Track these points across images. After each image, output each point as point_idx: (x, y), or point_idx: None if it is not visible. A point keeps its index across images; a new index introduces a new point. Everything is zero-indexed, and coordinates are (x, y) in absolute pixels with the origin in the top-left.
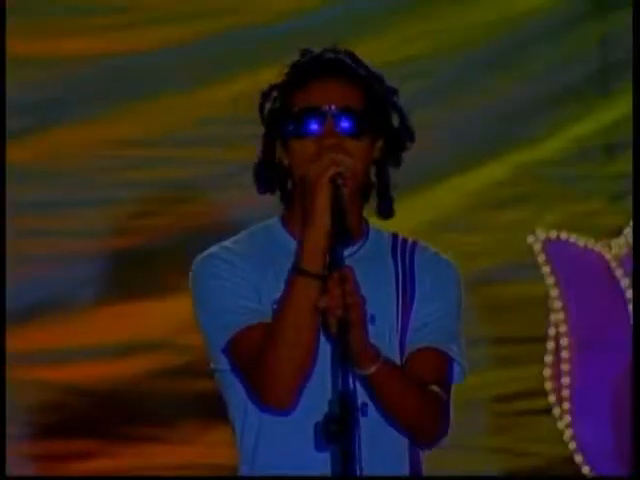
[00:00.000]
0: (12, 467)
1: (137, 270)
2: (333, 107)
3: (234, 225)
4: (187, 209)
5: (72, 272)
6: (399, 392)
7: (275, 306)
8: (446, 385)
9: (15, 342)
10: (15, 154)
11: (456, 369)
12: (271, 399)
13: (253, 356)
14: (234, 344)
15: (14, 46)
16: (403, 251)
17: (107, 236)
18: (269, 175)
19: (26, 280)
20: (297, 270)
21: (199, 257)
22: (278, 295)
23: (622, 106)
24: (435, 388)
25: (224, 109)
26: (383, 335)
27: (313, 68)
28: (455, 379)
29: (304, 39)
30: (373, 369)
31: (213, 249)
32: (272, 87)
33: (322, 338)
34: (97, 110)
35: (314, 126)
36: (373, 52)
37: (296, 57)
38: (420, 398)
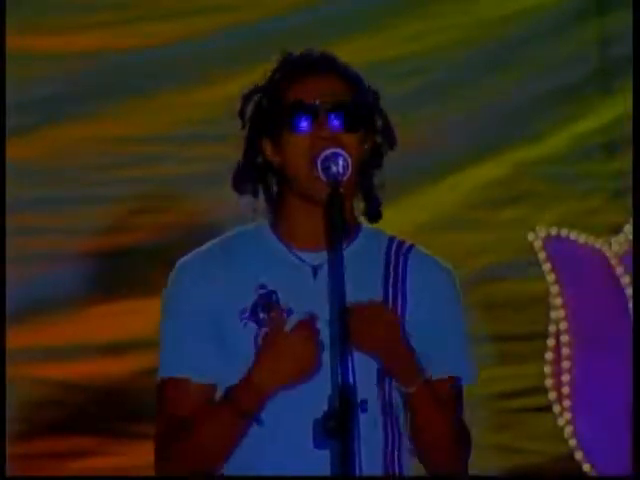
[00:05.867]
0: (10, 464)
1: (137, 267)
2: (325, 102)
3: (233, 222)
4: (187, 207)
5: (72, 270)
6: (433, 422)
7: (241, 315)
8: (460, 411)
9: (14, 339)
10: (15, 151)
11: (466, 380)
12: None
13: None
14: (161, 388)
15: (14, 42)
16: (397, 255)
17: (108, 234)
18: (253, 176)
19: (26, 278)
20: (238, 410)
21: (178, 264)
22: (245, 305)
23: (622, 104)
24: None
25: (225, 106)
26: None
27: (303, 64)
28: (465, 383)
29: (304, 36)
30: (413, 387)
31: (187, 261)
32: (255, 89)
33: (321, 331)
34: (97, 107)
35: (307, 121)
36: (372, 49)
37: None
38: (454, 435)
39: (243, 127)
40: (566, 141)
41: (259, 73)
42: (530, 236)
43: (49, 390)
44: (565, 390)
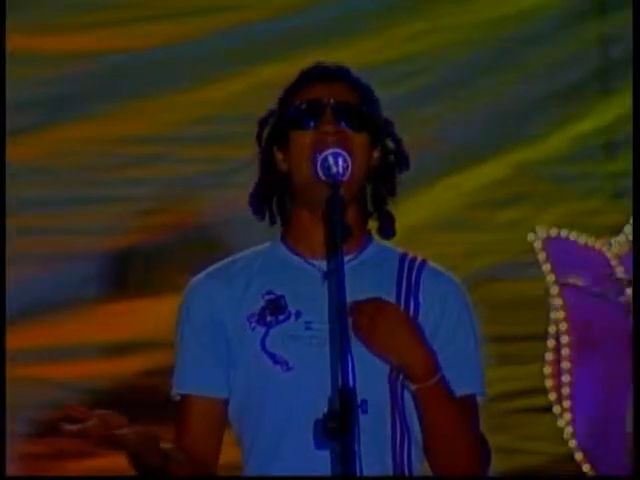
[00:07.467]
0: (11, 465)
1: (138, 268)
2: (332, 100)
3: (234, 223)
4: (188, 207)
5: (73, 270)
6: (445, 422)
7: (249, 319)
8: (477, 425)
9: (14, 340)
10: (16, 152)
11: (479, 394)
12: None
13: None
14: (177, 405)
15: (15, 42)
16: (410, 267)
17: (108, 234)
18: (269, 195)
19: (26, 278)
20: None
21: (189, 284)
22: (253, 310)
23: (622, 105)
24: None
25: (224, 106)
26: None
27: (315, 73)
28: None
29: (304, 36)
30: (429, 383)
31: (196, 280)
32: (270, 113)
33: (321, 333)
34: (98, 107)
35: (313, 118)
36: (373, 50)
37: (298, 56)
38: (471, 440)
39: (259, 150)
40: (566, 141)
41: (259, 73)
42: (530, 237)
43: (49, 391)
44: (565, 391)
